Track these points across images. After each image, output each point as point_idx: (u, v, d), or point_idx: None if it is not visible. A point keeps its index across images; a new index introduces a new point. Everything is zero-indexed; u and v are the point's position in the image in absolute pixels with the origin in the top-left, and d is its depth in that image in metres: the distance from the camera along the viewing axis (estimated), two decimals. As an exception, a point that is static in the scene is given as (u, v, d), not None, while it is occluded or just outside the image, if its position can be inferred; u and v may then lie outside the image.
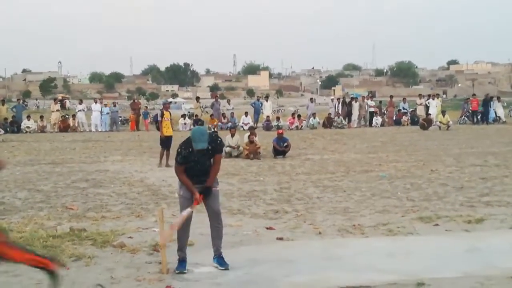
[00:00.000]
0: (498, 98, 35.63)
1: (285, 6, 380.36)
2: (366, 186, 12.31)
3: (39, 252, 6.25)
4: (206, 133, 6.55)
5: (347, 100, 36.30)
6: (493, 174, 13.59)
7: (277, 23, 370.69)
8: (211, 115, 32.92)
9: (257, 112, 33.19)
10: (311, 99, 37.46)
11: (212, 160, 6.73)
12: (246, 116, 32.54)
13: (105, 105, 33.69)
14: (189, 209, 6.60)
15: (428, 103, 33.77)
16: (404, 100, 36.66)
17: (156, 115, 19.34)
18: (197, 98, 37.31)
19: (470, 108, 34.45)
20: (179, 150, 6.63)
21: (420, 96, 36.77)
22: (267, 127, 30.84)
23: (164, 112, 16.46)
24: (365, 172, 14.33)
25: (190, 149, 6.54)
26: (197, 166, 6.61)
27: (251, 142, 17.78)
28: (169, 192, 11.75)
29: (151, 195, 11.61)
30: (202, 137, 6.43)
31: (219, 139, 6.85)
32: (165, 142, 16.07)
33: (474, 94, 38.07)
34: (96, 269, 6.67)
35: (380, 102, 39.48)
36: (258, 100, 35.58)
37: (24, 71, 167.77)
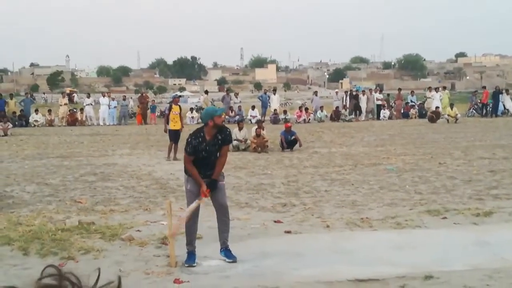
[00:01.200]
0: (507, 91, 35.41)
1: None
2: (374, 179, 12.29)
3: None
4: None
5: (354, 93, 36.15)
6: (502, 167, 13.54)
7: (284, 16, 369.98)
8: (218, 108, 32.82)
9: (265, 105, 33.12)
10: (315, 92, 37.31)
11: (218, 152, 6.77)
12: (253, 109, 32.49)
13: (113, 99, 33.70)
14: (197, 201, 6.61)
15: (433, 96, 33.64)
16: (412, 93, 36.48)
17: (166, 109, 19.36)
18: (206, 92, 37.29)
19: (479, 101, 34.26)
20: (189, 139, 6.65)
21: (430, 89, 36.62)
22: (275, 120, 30.80)
23: (173, 106, 16.46)
24: (373, 165, 14.31)
25: (200, 139, 6.57)
26: (206, 157, 6.62)
27: (258, 135, 17.78)
28: (177, 185, 11.77)
29: (159, 188, 11.64)
30: (214, 108, 6.60)
31: (228, 130, 6.88)
32: (173, 135, 16.08)
33: (484, 87, 37.86)
34: (104, 262, 6.70)
35: (388, 95, 39.31)
36: (265, 93, 35.48)
37: (32, 65, 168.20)
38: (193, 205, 6.61)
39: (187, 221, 6.65)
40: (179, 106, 16.83)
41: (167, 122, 16.36)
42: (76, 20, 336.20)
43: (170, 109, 16.46)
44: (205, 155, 6.62)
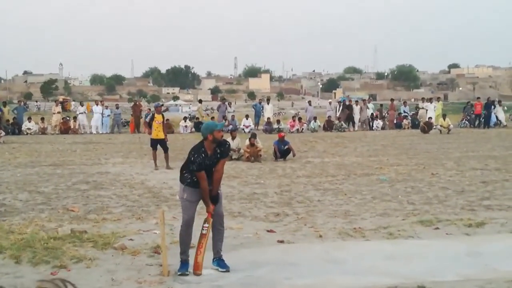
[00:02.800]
0: (500, 102, 35.60)
1: (286, 8, 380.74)
2: (367, 189, 12.31)
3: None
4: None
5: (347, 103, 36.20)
6: (494, 178, 13.59)
7: (278, 26, 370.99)
8: (212, 118, 32.87)
9: (258, 114, 33.19)
10: (309, 101, 37.44)
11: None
12: (247, 118, 32.52)
13: (106, 107, 33.65)
14: (207, 224, 6.71)
15: (426, 106, 33.79)
16: (405, 103, 36.66)
17: (147, 115, 19.31)
18: (200, 101, 37.31)
19: (472, 112, 34.40)
20: (192, 158, 6.60)
21: (423, 99, 36.80)
22: (268, 130, 30.82)
23: (156, 115, 16.41)
24: (366, 175, 14.34)
25: (203, 155, 6.57)
26: (208, 171, 6.64)
27: (252, 145, 17.79)
28: (170, 194, 11.76)
29: (151, 197, 11.62)
30: (214, 123, 6.64)
31: (228, 144, 6.91)
32: (154, 144, 16.08)
33: (478, 98, 38.03)
34: (97, 271, 6.68)
35: (381, 105, 39.44)
36: (260, 102, 35.57)
37: (25, 73, 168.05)
38: (207, 229, 6.72)
39: (183, 224, 6.75)
40: (162, 115, 16.83)
41: (150, 128, 16.32)
42: (69, 28, 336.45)
43: (152, 118, 16.39)
44: (207, 169, 6.64)
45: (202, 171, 6.57)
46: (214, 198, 6.71)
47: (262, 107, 33.89)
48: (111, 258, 7.19)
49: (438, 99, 37.60)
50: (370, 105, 35.01)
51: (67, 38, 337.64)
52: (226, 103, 35.33)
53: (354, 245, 7.88)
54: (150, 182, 13.63)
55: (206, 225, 6.75)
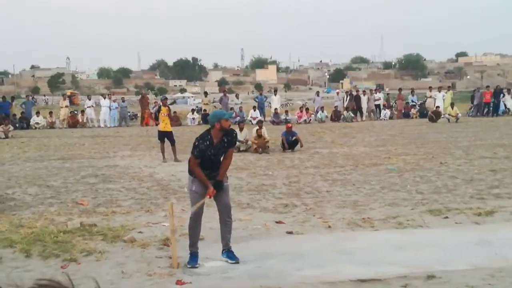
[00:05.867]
0: (508, 90, 35.36)
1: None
2: (375, 179, 12.29)
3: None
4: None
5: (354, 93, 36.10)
6: (503, 166, 13.54)
7: (284, 17, 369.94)
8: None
9: (261, 106, 33.07)
10: (317, 92, 37.31)
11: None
12: (254, 110, 32.46)
13: (114, 101, 33.70)
14: (201, 201, 6.64)
15: (435, 95, 33.65)
16: (412, 92, 36.46)
17: (154, 107, 19.45)
18: (205, 93, 37.31)
19: (483, 100, 34.12)
20: (196, 143, 6.62)
21: (430, 88, 36.59)
22: (276, 120, 30.77)
23: (162, 107, 16.46)
24: (374, 165, 14.31)
25: (208, 142, 6.57)
26: (213, 159, 6.64)
27: (259, 136, 17.79)
28: (178, 187, 11.78)
29: (160, 190, 11.64)
30: (222, 111, 6.62)
31: (235, 132, 6.90)
32: (162, 137, 16.11)
33: (487, 86, 37.73)
34: (107, 264, 6.71)
35: (388, 94, 39.27)
36: (261, 94, 35.60)
37: (32, 67, 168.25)
38: (197, 205, 6.63)
39: (192, 217, 6.68)
40: (168, 107, 16.89)
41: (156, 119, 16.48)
42: (76, 22, 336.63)
43: (159, 110, 16.47)
44: (212, 158, 6.64)
45: (200, 158, 6.57)
46: (218, 185, 6.69)
47: (266, 98, 33.94)
48: (121, 251, 7.21)
49: (448, 88, 37.32)
50: (381, 95, 34.85)
51: (74, 32, 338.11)
52: (229, 95, 35.33)
53: (363, 235, 7.88)
54: (159, 174, 13.65)
55: (199, 203, 6.66)
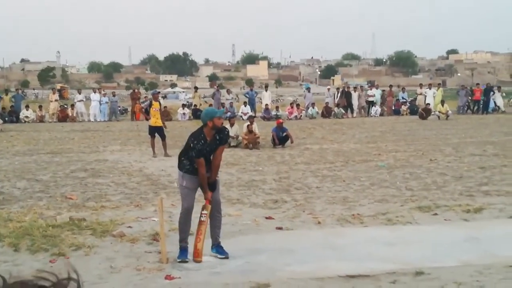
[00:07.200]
0: (499, 88, 35.49)
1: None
2: (365, 176, 12.32)
3: None
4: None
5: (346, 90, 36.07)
6: (492, 164, 13.60)
7: (275, 12, 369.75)
8: (210, 105, 32.77)
9: (252, 102, 33.00)
10: (308, 88, 37.27)
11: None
12: (245, 106, 32.43)
13: (104, 95, 33.57)
14: (205, 211, 6.69)
15: (425, 92, 33.73)
16: (403, 89, 36.53)
17: (145, 102, 19.37)
18: (196, 88, 37.21)
19: (471, 98, 34.23)
20: (191, 144, 6.58)
21: (421, 85, 36.67)
22: (267, 116, 30.74)
23: (153, 102, 16.38)
24: (364, 162, 14.34)
25: (203, 141, 6.56)
26: (207, 157, 6.64)
27: (250, 131, 17.78)
28: (168, 181, 11.76)
29: (150, 184, 11.62)
30: (214, 109, 6.60)
31: (227, 130, 6.91)
32: (152, 131, 16.05)
33: (477, 84, 37.87)
34: (95, 258, 6.69)
35: (384, 91, 39.19)
36: (251, 90, 35.56)
37: (22, 60, 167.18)
38: (206, 216, 6.72)
39: (183, 212, 6.75)
40: (159, 102, 16.81)
41: (148, 114, 16.43)
42: (67, 15, 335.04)
43: (150, 105, 16.40)
44: (207, 156, 6.64)
45: (201, 157, 6.56)
46: (212, 185, 6.71)
47: (256, 94, 33.90)
48: (110, 246, 7.19)
49: (438, 85, 37.42)
50: (377, 91, 34.71)
51: (64, 25, 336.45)
52: (221, 90, 35.25)
53: (353, 232, 7.90)
54: (149, 169, 13.62)
55: (205, 212, 6.75)
